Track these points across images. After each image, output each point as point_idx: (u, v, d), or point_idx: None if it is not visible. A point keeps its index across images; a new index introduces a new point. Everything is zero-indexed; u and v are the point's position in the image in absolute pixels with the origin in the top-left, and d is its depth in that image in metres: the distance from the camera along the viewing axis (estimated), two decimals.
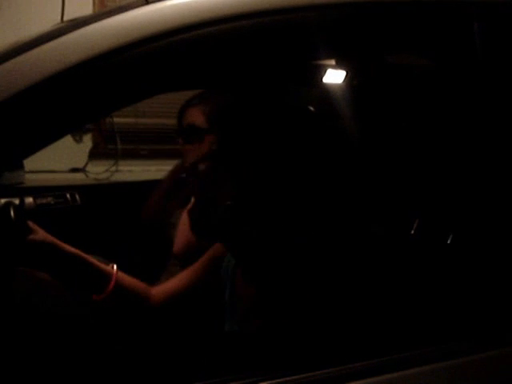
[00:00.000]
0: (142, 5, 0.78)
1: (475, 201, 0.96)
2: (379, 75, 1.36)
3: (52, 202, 1.93)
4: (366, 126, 1.38)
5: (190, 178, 1.63)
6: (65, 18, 2.52)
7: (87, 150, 2.79)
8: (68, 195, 1.97)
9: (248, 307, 1.08)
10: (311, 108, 1.18)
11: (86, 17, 0.80)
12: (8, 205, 0.96)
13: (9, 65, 0.72)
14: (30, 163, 2.15)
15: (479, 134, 0.95)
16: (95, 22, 0.76)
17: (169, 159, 1.99)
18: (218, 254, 1.20)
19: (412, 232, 1.14)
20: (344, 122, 1.40)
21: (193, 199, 1.53)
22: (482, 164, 0.94)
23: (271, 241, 1.03)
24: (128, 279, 1.12)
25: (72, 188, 2.05)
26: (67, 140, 2.67)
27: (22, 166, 2.02)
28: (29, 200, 1.87)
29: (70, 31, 0.75)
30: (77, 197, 1.99)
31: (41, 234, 1.00)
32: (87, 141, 2.81)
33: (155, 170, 2.51)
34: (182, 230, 1.57)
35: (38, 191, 1.96)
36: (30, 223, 0.99)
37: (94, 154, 2.80)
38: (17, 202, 1.64)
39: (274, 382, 0.77)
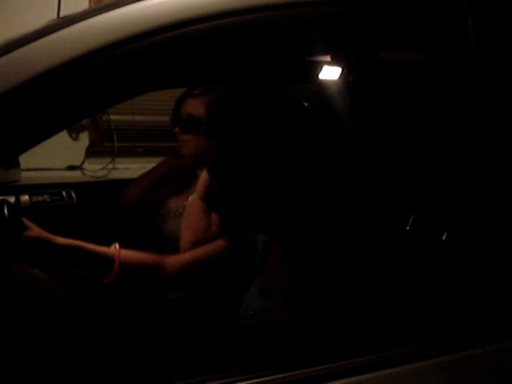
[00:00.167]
0: (136, 1, 0.77)
1: (471, 195, 0.96)
2: (374, 71, 1.36)
3: (48, 200, 1.92)
4: (362, 122, 1.38)
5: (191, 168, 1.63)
6: (61, 15, 2.51)
7: (84, 147, 2.79)
8: (64, 193, 1.97)
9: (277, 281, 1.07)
10: (306, 104, 1.18)
11: (80, 13, 0.79)
12: (2, 203, 0.96)
13: (1, 61, 0.71)
14: (26, 161, 2.15)
15: (475, 128, 0.95)
16: (88, 18, 0.76)
17: (165, 157, 1.99)
18: (235, 242, 1.19)
19: (408, 228, 1.14)
20: (339, 118, 1.40)
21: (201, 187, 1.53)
22: (478, 159, 0.94)
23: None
24: (134, 254, 1.12)
25: (68, 186, 2.05)
26: (64, 138, 2.66)
27: (17, 164, 2.02)
28: (24, 198, 1.86)
29: (63, 27, 0.75)
30: (73, 194, 1.99)
31: (35, 230, 1.00)
32: (84, 138, 2.81)
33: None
34: (190, 224, 1.53)
35: (34, 189, 1.96)
36: (25, 220, 1.00)
37: (91, 152, 2.80)
38: (12, 199, 1.64)
39: (272, 378, 0.77)
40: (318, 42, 0.89)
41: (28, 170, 2.26)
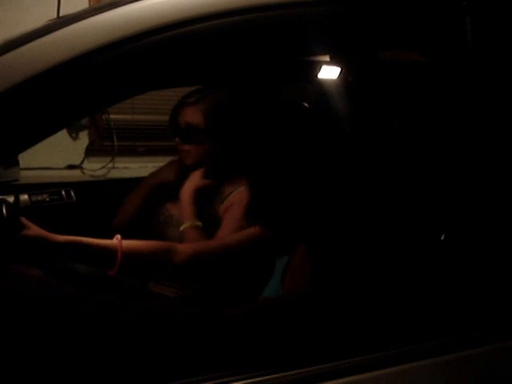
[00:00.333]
0: (134, 1, 0.78)
1: (471, 196, 0.96)
2: (373, 71, 1.36)
3: (47, 199, 1.92)
4: (361, 121, 1.38)
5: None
6: (61, 14, 2.51)
7: (84, 146, 2.79)
8: (63, 192, 1.97)
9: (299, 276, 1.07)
10: (305, 104, 1.18)
11: (79, 12, 0.80)
12: (0, 202, 0.96)
13: (1, 60, 0.71)
14: (25, 160, 2.15)
15: (473, 128, 0.95)
16: (87, 17, 0.76)
17: (165, 156, 1.99)
18: (261, 236, 1.18)
19: (407, 228, 1.14)
20: (339, 118, 1.40)
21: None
22: (477, 159, 0.94)
23: None
24: (137, 244, 1.11)
25: (68, 185, 2.05)
26: (63, 137, 2.66)
27: (17, 163, 2.02)
28: (24, 197, 1.86)
29: (63, 27, 0.75)
30: (72, 194, 1.99)
31: (34, 229, 1.00)
32: (84, 137, 2.81)
33: (152, 167, 2.50)
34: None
35: (33, 188, 1.96)
36: (23, 219, 1.00)
37: (91, 151, 2.80)
38: (11, 199, 1.64)
39: (270, 377, 0.77)
40: (317, 42, 0.89)
41: (27, 169, 2.26)
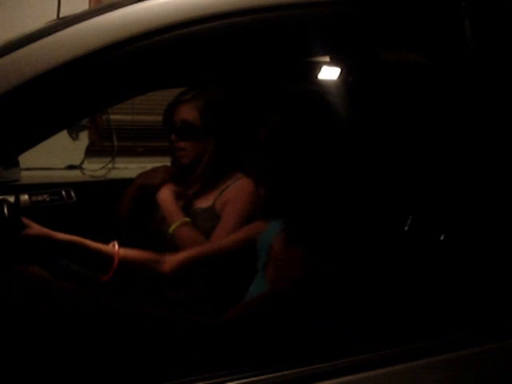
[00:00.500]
0: (134, 2, 0.78)
1: (471, 195, 0.96)
2: (373, 71, 1.36)
3: (47, 200, 1.93)
4: (361, 121, 1.38)
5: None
6: (61, 16, 2.52)
7: (84, 147, 2.79)
8: (63, 192, 1.97)
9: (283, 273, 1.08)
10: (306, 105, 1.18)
11: (79, 14, 0.80)
12: (1, 202, 0.97)
13: (1, 62, 0.72)
14: (26, 160, 2.15)
15: (473, 129, 0.95)
16: (88, 19, 0.76)
17: (165, 156, 1.99)
18: (249, 237, 1.20)
19: (406, 228, 1.15)
20: (339, 118, 1.40)
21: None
22: (477, 159, 0.95)
23: None
24: (132, 253, 1.13)
25: (68, 185, 2.05)
26: (63, 137, 2.66)
27: (17, 164, 2.02)
28: (24, 197, 1.87)
29: (63, 28, 0.75)
30: (72, 194, 1.99)
31: (35, 227, 1.01)
32: (83, 138, 2.81)
33: (151, 167, 2.51)
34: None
35: (33, 188, 1.96)
36: (24, 219, 1.00)
37: (91, 151, 2.80)
38: (12, 199, 1.65)
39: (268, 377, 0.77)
40: (317, 43, 0.90)
41: (28, 169, 2.26)
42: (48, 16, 2.13)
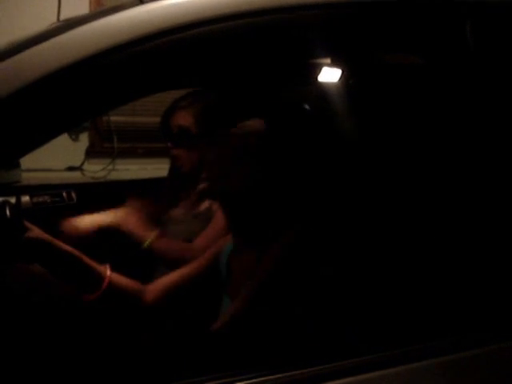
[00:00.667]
0: (137, 5, 0.78)
1: (471, 198, 0.97)
2: (374, 74, 1.36)
3: (48, 201, 1.92)
4: (362, 123, 1.39)
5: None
6: (61, 18, 2.52)
7: (84, 148, 2.80)
8: (64, 194, 1.97)
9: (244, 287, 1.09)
10: (306, 106, 1.19)
11: (82, 17, 0.80)
12: (4, 204, 0.97)
13: (5, 64, 0.72)
14: (26, 162, 2.14)
15: (473, 132, 0.95)
16: (90, 21, 0.77)
17: (165, 158, 1.99)
18: (218, 252, 1.21)
19: (405, 228, 1.15)
20: (339, 120, 1.40)
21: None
22: (477, 162, 0.95)
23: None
24: (121, 280, 1.13)
25: (69, 186, 2.05)
26: (64, 138, 2.67)
27: (18, 165, 2.02)
28: (25, 198, 1.87)
29: (66, 31, 0.75)
30: (73, 195, 1.99)
31: (36, 231, 1.01)
32: (84, 139, 2.81)
33: (152, 169, 2.52)
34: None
35: (34, 190, 1.96)
36: (26, 222, 1.00)
37: (91, 153, 2.80)
38: (13, 200, 1.65)
39: (267, 379, 0.78)
40: (319, 45, 0.90)
41: (28, 170, 2.26)
42: (48, 19, 2.13)
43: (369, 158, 1.24)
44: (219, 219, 1.50)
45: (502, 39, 0.92)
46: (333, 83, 1.48)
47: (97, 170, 2.75)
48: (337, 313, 0.97)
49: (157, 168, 2.13)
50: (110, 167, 2.80)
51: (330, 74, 1.50)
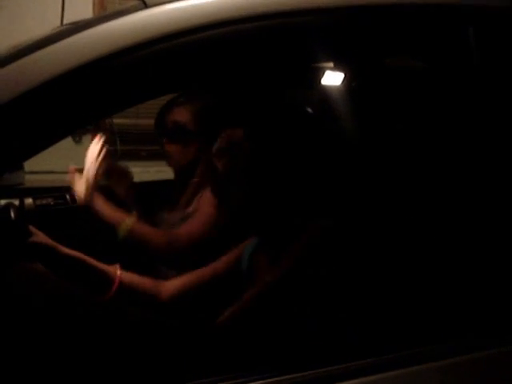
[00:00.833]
0: (141, 9, 0.79)
1: (472, 201, 0.97)
2: (377, 77, 1.37)
3: (52, 203, 1.93)
4: (365, 127, 1.39)
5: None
6: (64, 21, 2.53)
7: (86, 150, 2.80)
8: (68, 196, 1.97)
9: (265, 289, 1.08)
10: (308, 109, 1.19)
11: (86, 21, 0.80)
12: (8, 206, 0.97)
13: (9, 68, 0.72)
14: (29, 164, 2.15)
15: (475, 136, 0.95)
16: (94, 26, 0.77)
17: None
18: (240, 253, 1.20)
19: (405, 231, 1.15)
20: (342, 123, 1.40)
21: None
22: (478, 165, 0.95)
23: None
24: (133, 278, 1.12)
25: (72, 189, 2.05)
26: (67, 141, 2.67)
27: (21, 167, 2.03)
28: (28, 201, 1.87)
29: (70, 35, 0.76)
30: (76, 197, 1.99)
31: (40, 237, 1.01)
32: (87, 142, 2.81)
33: (154, 171, 2.52)
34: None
35: (37, 192, 1.97)
36: (31, 227, 1.00)
37: None
38: (16, 202, 1.65)
39: (269, 381, 0.78)
40: (322, 49, 0.90)
41: (32, 172, 2.27)
42: (51, 22, 2.14)
43: (369, 160, 1.24)
44: (205, 209, 1.49)
45: (505, 45, 0.92)
46: (335, 86, 1.48)
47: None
48: (344, 313, 0.97)
49: (159, 171, 2.12)
50: None
51: (332, 78, 1.50)
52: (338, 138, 1.32)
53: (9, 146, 0.72)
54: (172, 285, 1.18)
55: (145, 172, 2.69)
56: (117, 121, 2.78)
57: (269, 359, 0.84)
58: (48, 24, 1.33)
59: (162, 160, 2.23)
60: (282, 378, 0.78)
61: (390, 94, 1.33)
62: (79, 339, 1.06)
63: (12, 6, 2.57)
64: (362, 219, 1.11)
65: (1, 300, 1.03)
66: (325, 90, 1.56)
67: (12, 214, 0.95)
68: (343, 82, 1.47)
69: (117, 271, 1.10)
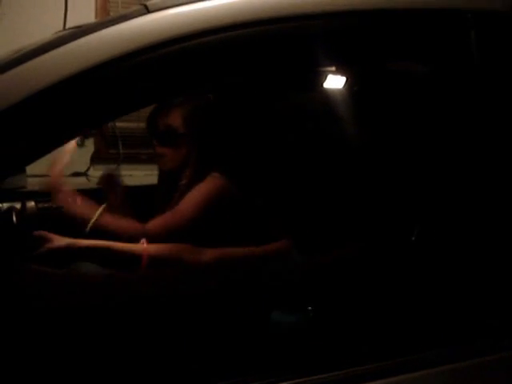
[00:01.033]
0: (143, 14, 0.79)
1: (473, 205, 0.97)
2: (379, 81, 1.37)
3: (54, 206, 1.93)
4: (366, 130, 1.39)
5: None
6: (67, 26, 2.54)
7: (89, 154, 2.81)
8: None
9: None
10: (308, 111, 1.19)
11: (88, 25, 0.81)
12: (10, 209, 0.98)
13: (12, 73, 0.73)
14: (31, 167, 2.15)
15: (477, 139, 0.95)
16: (96, 31, 0.77)
17: None
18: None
19: (407, 235, 1.15)
20: (344, 127, 1.41)
21: None
22: (480, 169, 0.95)
23: None
24: (162, 248, 1.15)
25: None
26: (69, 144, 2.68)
27: (23, 171, 2.02)
28: (30, 204, 1.87)
29: (72, 40, 0.76)
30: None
31: (56, 240, 1.02)
32: (89, 145, 2.82)
33: (156, 175, 2.51)
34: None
35: (40, 195, 1.97)
36: (45, 233, 1.00)
37: (96, 159, 2.81)
38: (18, 206, 1.65)
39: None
40: (325, 53, 0.91)
41: (34, 176, 2.27)
42: (54, 27, 2.15)
43: (372, 163, 1.24)
44: (184, 206, 1.47)
45: (506, 48, 0.92)
46: (337, 90, 1.48)
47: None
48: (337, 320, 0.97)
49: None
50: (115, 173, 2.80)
51: (334, 81, 1.51)
52: (340, 140, 1.32)
53: (10, 151, 0.73)
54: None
55: (147, 175, 2.70)
56: (119, 124, 2.79)
57: (270, 364, 0.84)
58: (50, 29, 1.33)
59: None
60: (284, 382, 0.78)
61: (391, 97, 1.33)
62: (82, 341, 1.06)
63: (14, 11, 2.58)
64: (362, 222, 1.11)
65: (2, 302, 1.04)
66: (327, 94, 1.56)
67: (14, 218, 0.95)
68: (345, 85, 1.47)
69: (143, 245, 1.12)
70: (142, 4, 0.80)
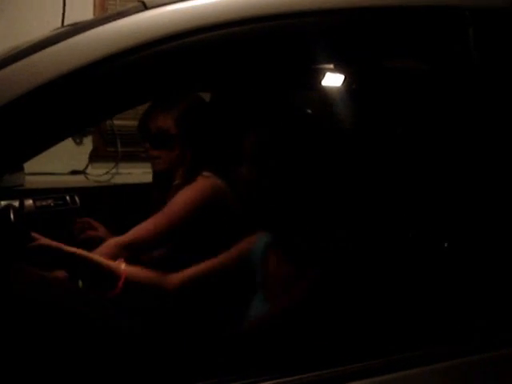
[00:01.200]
0: (141, 10, 0.79)
1: (472, 206, 0.97)
2: (377, 79, 1.37)
3: (52, 205, 1.93)
4: (365, 128, 1.39)
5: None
6: (65, 23, 2.53)
7: (87, 152, 2.81)
8: (68, 197, 1.98)
9: (280, 286, 1.09)
10: (308, 110, 1.19)
11: (86, 22, 0.81)
12: (8, 208, 0.98)
13: (9, 70, 0.72)
14: (30, 165, 2.15)
15: (475, 137, 0.95)
16: (94, 27, 0.77)
17: None
18: (248, 247, 1.20)
19: (408, 235, 1.15)
20: (342, 124, 1.41)
21: None
22: (479, 168, 0.95)
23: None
24: (138, 272, 1.13)
25: (72, 190, 2.06)
26: (67, 142, 2.67)
27: (21, 169, 2.03)
28: (28, 202, 1.87)
29: (70, 37, 0.76)
30: (76, 199, 2.00)
31: (43, 241, 1.01)
32: (88, 143, 2.82)
33: None
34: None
35: (38, 193, 1.97)
36: (33, 233, 1.00)
37: (95, 157, 2.81)
38: (16, 204, 1.65)
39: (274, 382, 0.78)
40: (323, 51, 0.90)
41: (32, 174, 2.27)
42: (52, 23, 2.14)
43: (370, 162, 1.24)
44: (174, 207, 1.47)
45: (505, 45, 0.92)
46: (336, 88, 1.48)
47: (100, 173, 2.76)
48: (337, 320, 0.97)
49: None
50: (114, 171, 2.81)
51: (332, 79, 1.51)
52: (338, 138, 1.32)
53: (8, 148, 0.72)
54: (178, 277, 1.18)
55: (145, 173, 2.70)
56: (117, 122, 2.79)
57: (275, 361, 0.84)
58: (48, 26, 1.33)
59: None
60: (286, 379, 0.78)
61: (389, 95, 1.33)
62: (80, 341, 1.06)
63: (12, 8, 2.58)
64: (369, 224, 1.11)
65: (0, 301, 1.03)
66: (325, 92, 1.56)
67: (12, 216, 0.95)
68: (343, 83, 1.47)
69: (121, 265, 1.11)
70: (139, 1, 0.80)
